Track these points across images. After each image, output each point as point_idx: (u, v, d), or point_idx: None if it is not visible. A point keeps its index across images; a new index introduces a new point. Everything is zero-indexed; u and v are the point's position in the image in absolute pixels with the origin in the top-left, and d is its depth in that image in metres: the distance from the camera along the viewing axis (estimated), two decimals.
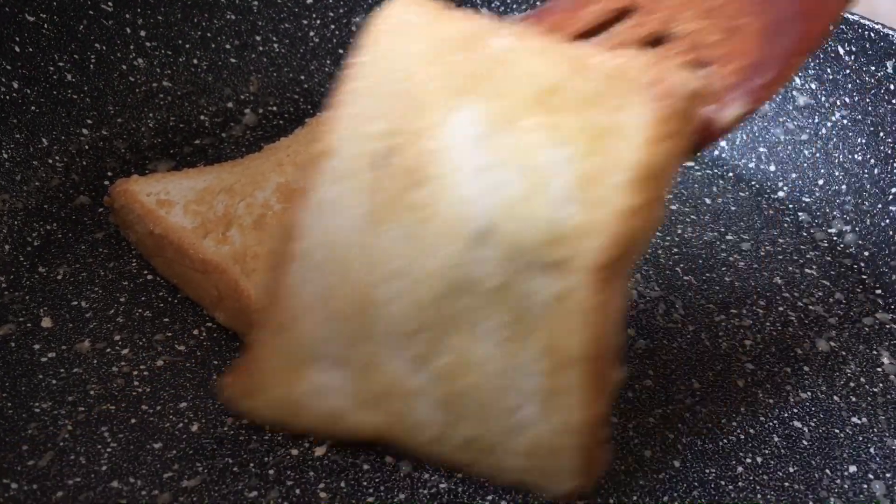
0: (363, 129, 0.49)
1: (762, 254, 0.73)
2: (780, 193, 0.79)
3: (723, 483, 0.56)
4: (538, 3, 0.87)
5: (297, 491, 0.54)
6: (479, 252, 0.46)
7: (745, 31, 0.50)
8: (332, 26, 0.87)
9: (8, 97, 0.72)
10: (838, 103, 0.78)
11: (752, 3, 0.51)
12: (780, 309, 0.68)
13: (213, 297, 0.62)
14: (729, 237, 0.74)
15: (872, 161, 0.75)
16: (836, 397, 0.62)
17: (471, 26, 0.49)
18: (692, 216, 0.76)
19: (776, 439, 0.59)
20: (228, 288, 0.61)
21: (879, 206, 0.74)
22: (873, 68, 0.75)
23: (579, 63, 0.46)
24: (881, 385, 0.63)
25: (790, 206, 0.78)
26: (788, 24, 0.50)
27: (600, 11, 0.53)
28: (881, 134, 0.75)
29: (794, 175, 0.79)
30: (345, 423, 0.52)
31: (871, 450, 0.59)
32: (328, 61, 0.87)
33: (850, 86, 0.77)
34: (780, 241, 0.75)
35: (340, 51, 0.88)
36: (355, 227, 0.48)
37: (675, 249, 0.73)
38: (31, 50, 0.74)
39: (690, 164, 0.82)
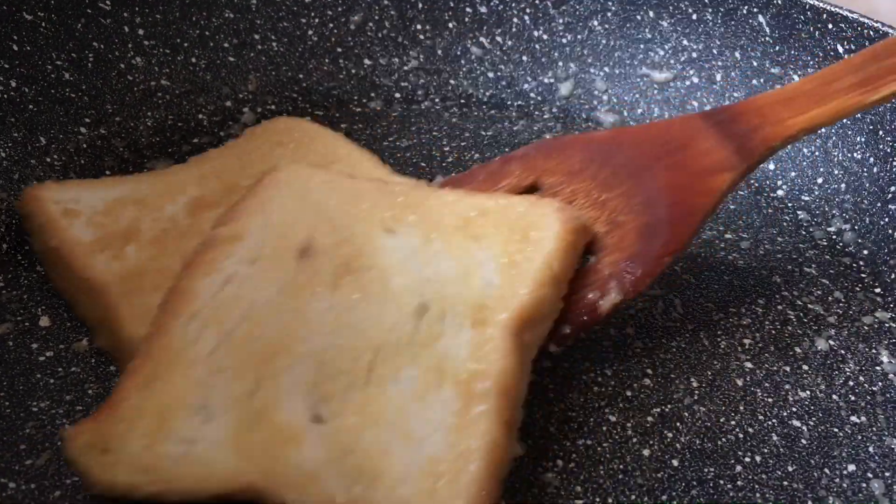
0: (279, 228, 0.58)
1: (761, 252, 0.73)
2: (780, 192, 0.79)
3: (721, 482, 0.56)
4: (537, 2, 0.87)
5: None
6: (415, 321, 0.55)
7: (626, 227, 0.61)
8: (331, 25, 0.87)
9: (6, 96, 0.72)
10: None
11: (632, 204, 0.61)
12: (779, 308, 0.68)
13: (95, 318, 0.61)
14: (728, 236, 0.74)
15: (871, 160, 0.75)
16: (835, 396, 0.62)
17: (385, 182, 0.63)
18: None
19: (775, 438, 0.59)
20: (106, 310, 0.59)
21: (878, 204, 0.74)
22: None
23: (494, 199, 0.60)
24: (880, 384, 0.63)
25: (789, 204, 0.78)
26: (660, 228, 0.60)
27: (512, 186, 0.65)
28: (880, 132, 0.75)
29: (793, 173, 0.79)
30: (215, 474, 0.50)
31: (870, 449, 0.59)
32: (326, 60, 0.87)
33: None
34: (780, 239, 0.75)
35: (339, 50, 0.88)
36: (273, 293, 0.56)
37: None
38: (28, 48, 0.74)
39: None
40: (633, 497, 0.55)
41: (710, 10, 0.82)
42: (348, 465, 0.50)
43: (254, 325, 0.54)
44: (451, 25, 0.89)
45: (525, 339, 0.55)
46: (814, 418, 0.61)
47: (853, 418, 0.61)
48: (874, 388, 0.63)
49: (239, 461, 0.50)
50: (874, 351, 0.66)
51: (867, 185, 0.75)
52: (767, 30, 0.80)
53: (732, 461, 0.57)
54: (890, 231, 0.73)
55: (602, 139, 0.65)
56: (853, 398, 0.62)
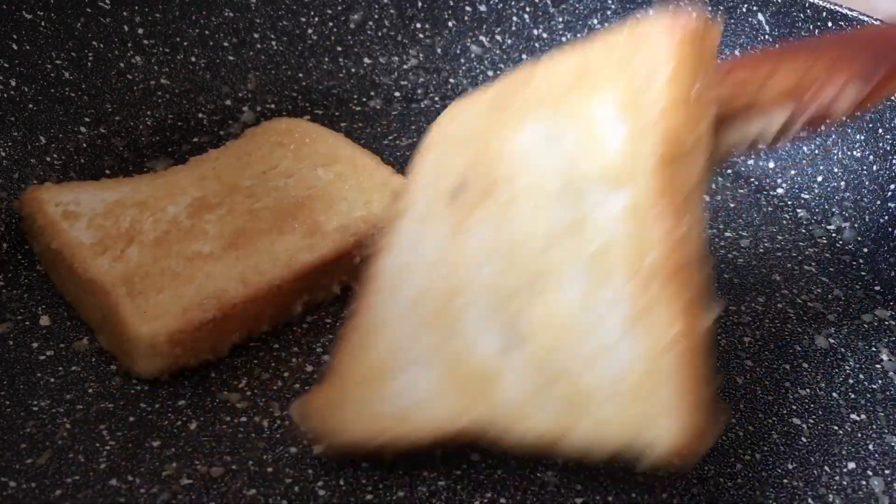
0: (436, 179, 0.57)
1: (761, 250, 0.73)
2: (779, 190, 0.79)
3: (722, 480, 0.56)
4: (537, 0, 0.87)
5: (296, 489, 0.54)
6: (559, 205, 0.52)
7: (842, 74, 0.54)
8: (330, 24, 0.87)
9: (5, 95, 0.72)
10: None
11: (844, 58, 0.55)
12: (779, 306, 0.68)
13: (97, 318, 0.61)
14: (728, 234, 0.74)
15: (871, 157, 0.75)
16: (834, 394, 0.62)
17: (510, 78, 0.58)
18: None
19: (775, 436, 0.59)
20: (109, 311, 0.59)
21: (878, 202, 0.74)
22: None
23: (596, 41, 0.54)
24: (880, 382, 0.63)
25: (789, 202, 0.78)
26: (884, 59, 0.55)
27: None
28: (880, 130, 0.75)
29: (792, 172, 0.79)
30: (433, 422, 0.53)
31: (870, 446, 0.59)
32: (326, 59, 0.87)
33: None
34: (779, 237, 0.75)
35: (338, 48, 0.88)
36: (437, 245, 0.55)
37: None
38: (28, 47, 0.74)
39: None
40: (634, 495, 0.55)
41: (709, 8, 0.82)
42: (553, 394, 0.50)
43: (428, 281, 0.55)
44: (450, 24, 0.89)
45: (677, 182, 0.49)
46: (814, 416, 0.61)
47: (853, 416, 0.61)
48: (874, 386, 0.63)
49: (452, 406, 0.52)
50: (874, 349, 0.66)
51: (867, 182, 0.75)
52: (767, 28, 0.80)
53: (732, 459, 0.57)
54: (889, 229, 0.73)
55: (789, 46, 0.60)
56: (853, 396, 0.62)
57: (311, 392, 0.56)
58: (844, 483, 0.57)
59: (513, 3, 0.88)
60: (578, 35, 0.87)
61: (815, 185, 0.78)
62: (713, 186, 0.79)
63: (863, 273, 0.72)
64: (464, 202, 0.55)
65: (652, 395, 0.47)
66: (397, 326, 0.55)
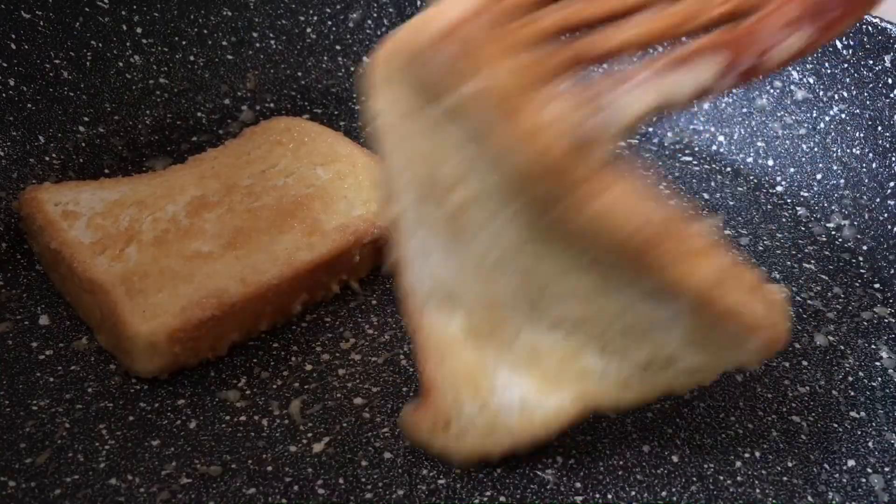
0: (405, 193, 0.54)
1: (760, 248, 0.73)
2: (779, 188, 0.79)
3: (721, 478, 0.56)
4: None
5: (296, 488, 0.54)
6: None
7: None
8: (329, 23, 0.87)
9: (4, 94, 0.72)
10: (836, 97, 0.78)
11: None
12: None
13: (96, 318, 0.61)
14: (727, 232, 0.74)
15: (871, 155, 0.75)
16: (834, 392, 0.62)
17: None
18: (690, 211, 0.75)
19: (774, 434, 0.59)
20: (108, 310, 0.59)
21: (878, 200, 0.74)
22: (871, 62, 0.75)
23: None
24: (879, 379, 0.63)
25: (788, 200, 0.78)
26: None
27: None
28: (879, 128, 0.75)
29: (792, 169, 0.79)
30: (547, 417, 0.53)
31: (870, 444, 0.59)
32: (325, 58, 0.87)
33: (848, 80, 0.77)
34: (779, 235, 0.75)
35: (337, 47, 0.88)
36: (449, 258, 0.54)
37: None
38: (27, 47, 0.74)
39: (688, 158, 0.81)
40: (633, 493, 0.55)
41: None
42: (636, 363, 0.52)
43: (467, 299, 0.54)
44: None
45: (580, 180, 0.47)
46: (813, 414, 0.61)
47: (852, 413, 0.61)
48: (873, 384, 0.63)
49: (558, 396, 0.53)
50: (873, 346, 0.66)
51: (866, 180, 0.75)
52: None
53: (732, 457, 0.57)
54: (889, 226, 0.73)
55: None
56: (853, 393, 0.62)
57: (418, 408, 0.55)
58: (844, 481, 0.57)
59: None
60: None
61: (815, 183, 0.78)
62: (712, 184, 0.79)
63: (862, 271, 0.72)
64: (451, 202, 0.52)
65: (725, 328, 0.49)
66: (463, 350, 0.55)
